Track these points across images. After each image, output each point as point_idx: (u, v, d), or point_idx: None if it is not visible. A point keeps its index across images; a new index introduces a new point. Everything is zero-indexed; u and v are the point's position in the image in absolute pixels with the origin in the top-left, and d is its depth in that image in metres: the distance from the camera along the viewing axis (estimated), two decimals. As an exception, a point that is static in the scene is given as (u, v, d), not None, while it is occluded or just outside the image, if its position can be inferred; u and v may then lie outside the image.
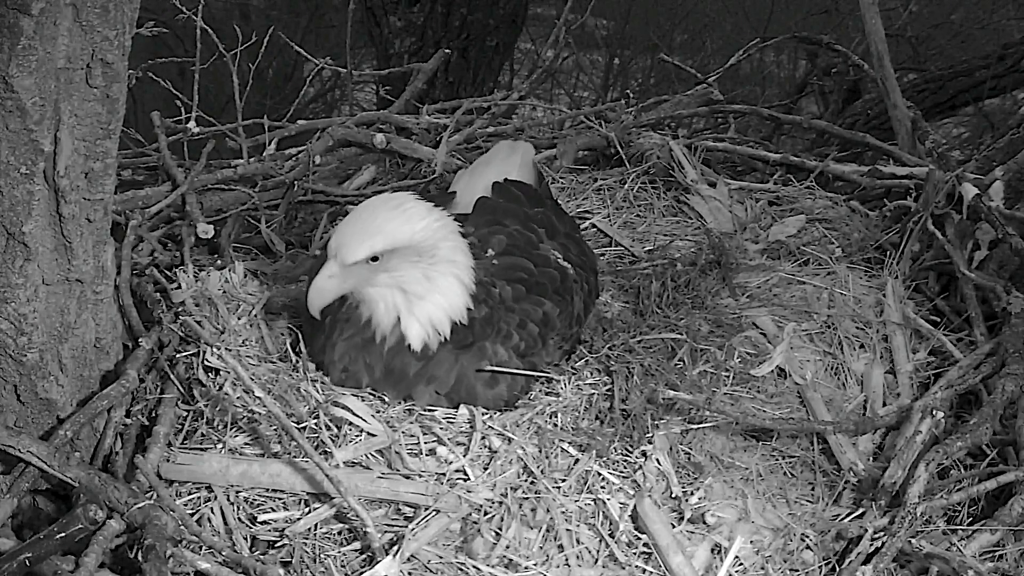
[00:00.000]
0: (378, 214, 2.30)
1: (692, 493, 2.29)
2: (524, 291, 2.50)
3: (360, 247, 2.26)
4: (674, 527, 2.23)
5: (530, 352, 2.47)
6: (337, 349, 2.41)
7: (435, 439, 2.32)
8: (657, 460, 2.31)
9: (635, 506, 2.23)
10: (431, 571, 2.15)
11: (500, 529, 2.19)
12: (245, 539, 2.23)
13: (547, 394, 2.48)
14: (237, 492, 2.28)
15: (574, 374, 2.52)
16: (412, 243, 2.29)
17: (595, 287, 2.77)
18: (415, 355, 2.37)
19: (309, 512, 2.24)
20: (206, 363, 2.44)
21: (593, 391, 2.47)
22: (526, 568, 2.14)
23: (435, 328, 2.36)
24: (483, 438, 2.32)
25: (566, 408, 2.42)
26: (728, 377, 2.57)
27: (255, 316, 2.63)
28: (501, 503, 2.21)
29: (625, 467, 2.31)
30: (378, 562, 2.10)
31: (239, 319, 2.60)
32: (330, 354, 2.42)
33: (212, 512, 2.27)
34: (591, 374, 2.51)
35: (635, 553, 2.20)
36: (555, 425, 2.38)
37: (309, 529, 2.22)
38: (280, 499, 2.27)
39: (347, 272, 2.28)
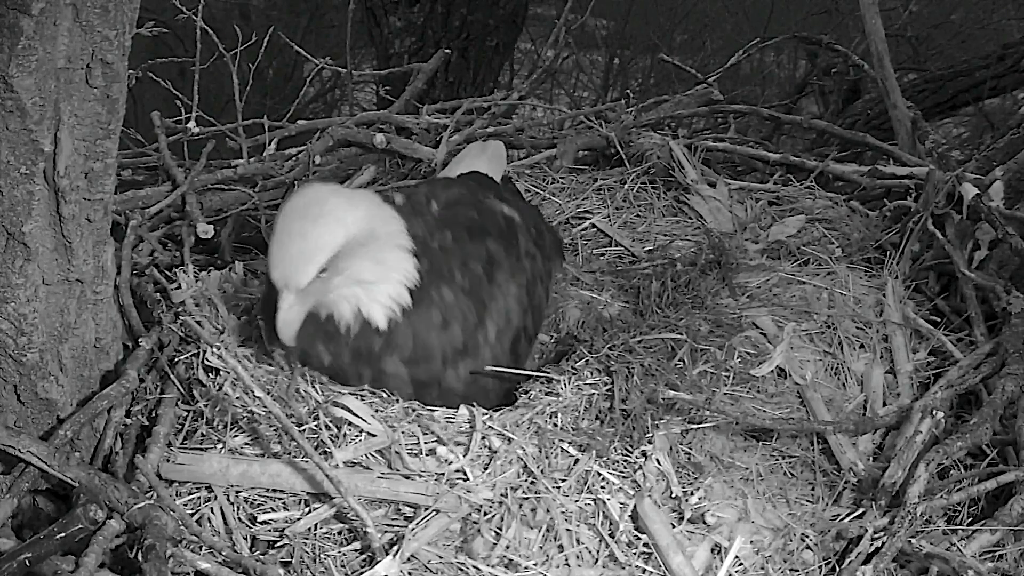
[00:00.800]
0: (306, 229, 2.18)
1: (692, 493, 2.29)
2: (466, 236, 2.50)
3: (306, 269, 2.16)
4: (674, 527, 2.23)
5: (476, 288, 2.43)
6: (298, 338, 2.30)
7: (435, 439, 2.32)
8: (657, 460, 2.31)
9: (635, 506, 2.23)
10: (431, 571, 2.15)
11: (500, 529, 2.19)
12: (245, 539, 2.23)
13: (547, 394, 2.48)
14: (237, 492, 2.28)
15: (574, 374, 2.52)
16: (351, 238, 2.21)
17: (550, 259, 2.80)
18: (379, 332, 2.33)
19: (309, 512, 2.24)
20: (206, 363, 2.44)
21: (593, 391, 2.47)
22: (526, 568, 2.15)
23: (396, 302, 2.32)
24: (483, 438, 2.32)
25: (566, 408, 2.42)
26: (728, 377, 2.57)
27: (255, 316, 2.63)
28: (501, 503, 2.21)
29: (625, 467, 2.31)
30: (378, 562, 2.10)
31: (239, 319, 2.60)
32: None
33: (212, 512, 2.27)
34: (591, 374, 2.51)
35: (635, 553, 2.20)
36: (555, 425, 2.38)
37: (309, 529, 2.22)
38: (280, 499, 2.27)
39: (304, 295, 2.20)
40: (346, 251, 2.20)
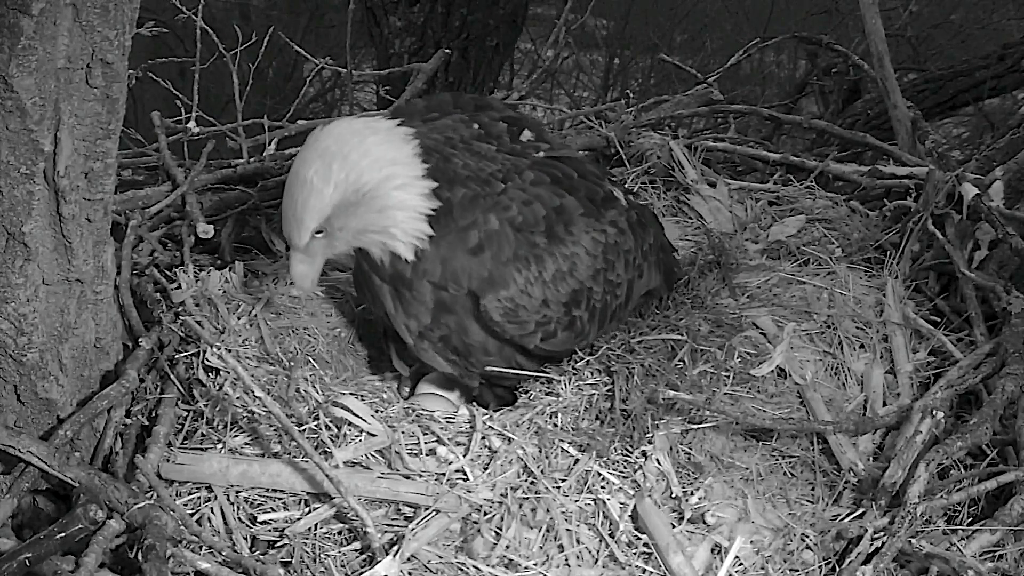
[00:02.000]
0: (296, 194, 2.28)
1: (692, 493, 2.29)
2: (548, 182, 2.45)
3: (301, 231, 2.29)
4: (674, 527, 2.23)
5: (527, 229, 2.39)
6: (366, 295, 2.50)
7: (435, 439, 2.32)
8: (657, 460, 2.31)
9: (635, 506, 2.23)
10: (431, 571, 2.15)
11: (500, 529, 2.19)
12: (245, 539, 2.23)
13: (547, 394, 2.48)
14: (237, 492, 2.28)
15: (574, 374, 2.52)
16: (340, 203, 2.27)
17: (649, 264, 2.68)
18: (410, 264, 2.37)
19: (309, 512, 2.24)
20: (206, 363, 2.45)
21: (593, 391, 2.47)
22: (526, 568, 2.15)
23: (415, 236, 2.33)
24: (483, 438, 2.32)
25: (566, 408, 2.42)
26: (728, 377, 2.56)
27: (255, 316, 2.63)
28: (501, 503, 2.21)
29: (625, 467, 2.31)
30: (378, 562, 2.10)
31: (239, 319, 2.60)
32: (368, 301, 2.54)
33: (212, 512, 2.27)
34: (591, 374, 2.51)
35: (635, 553, 2.20)
36: (555, 425, 2.38)
37: (309, 529, 2.22)
38: (280, 499, 2.27)
39: (310, 250, 2.33)
40: (338, 212, 2.27)
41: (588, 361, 2.55)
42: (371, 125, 2.35)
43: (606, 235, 2.49)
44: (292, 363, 2.47)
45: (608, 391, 2.46)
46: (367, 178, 2.27)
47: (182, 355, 2.51)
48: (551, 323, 2.44)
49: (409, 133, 2.37)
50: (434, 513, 2.19)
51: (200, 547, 2.17)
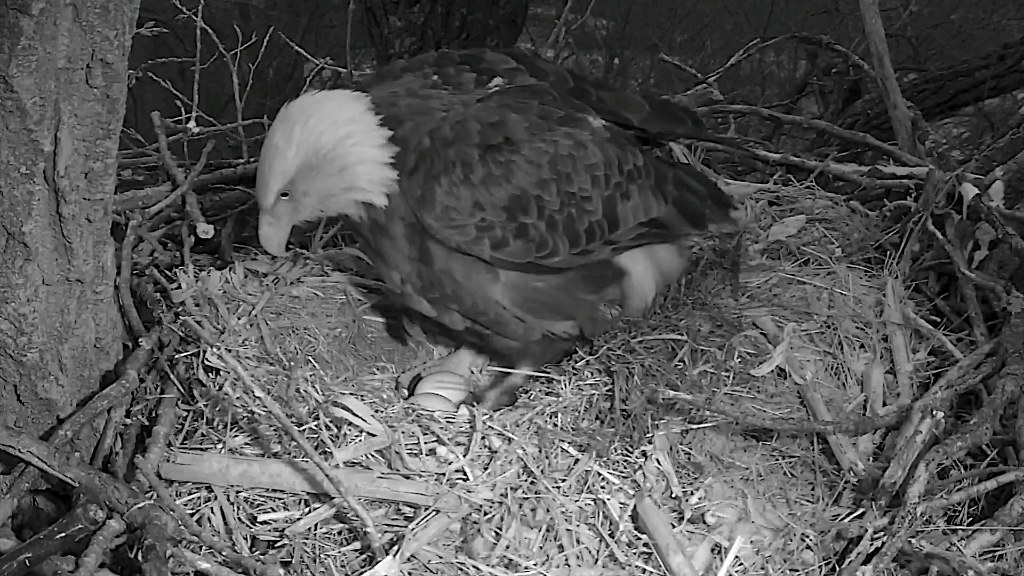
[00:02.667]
0: (263, 156, 2.46)
1: (692, 493, 2.29)
2: (494, 105, 2.51)
3: (266, 192, 2.47)
4: (674, 527, 2.23)
5: (459, 142, 2.45)
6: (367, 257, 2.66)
7: (435, 439, 2.32)
8: (657, 460, 2.31)
9: (635, 506, 2.23)
10: (431, 571, 2.15)
11: (500, 529, 2.19)
12: (245, 539, 2.23)
13: (547, 394, 2.48)
14: (237, 492, 2.28)
15: (574, 374, 2.52)
16: (301, 168, 2.44)
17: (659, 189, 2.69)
18: (383, 209, 2.49)
19: (309, 512, 2.24)
20: (206, 363, 2.45)
21: (593, 391, 2.47)
22: (526, 568, 2.14)
23: (383, 183, 2.45)
24: (483, 438, 2.32)
25: (566, 408, 2.42)
26: (728, 377, 2.56)
27: (255, 316, 2.63)
28: (501, 503, 2.21)
29: (625, 467, 2.31)
30: (378, 562, 2.10)
31: (239, 319, 2.60)
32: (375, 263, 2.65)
33: (212, 512, 2.27)
34: (591, 374, 2.51)
35: (635, 553, 2.20)
36: (555, 425, 2.38)
37: (309, 529, 2.22)
38: (280, 499, 2.27)
39: (277, 212, 2.50)
40: (301, 175, 2.45)
41: (588, 361, 2.55)
42: (330, 94, 2.54)
43: (557, 146, 2.51)
44: (292, 363, 2.47)
45: (608, 391, 2.46)
46: (325, 139, 2.43)
47: (182, 355, 2.51)
48: (495, 228, 2.47)
49: (362, 95, 2.50)
50: (434, 513, 2.19)
51: (200, 547, 2.17)
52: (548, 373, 2.51)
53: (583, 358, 2.56)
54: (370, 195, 2.46)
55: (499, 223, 2.46)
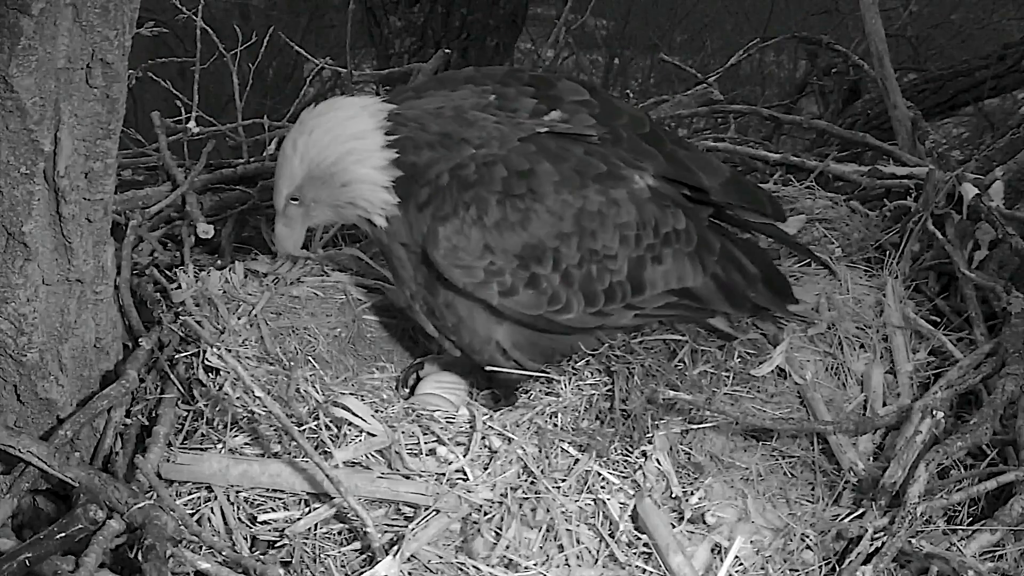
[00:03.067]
0: (278, 160, 2.50)
1: (692, 493, 2.29)
2: (533, 150, 2.43)
3: (276, 196, 2.52)
4: (674, 527, 2.23)
5: (479, 186, 2.38)
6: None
7: (435, 439, 2.32)
8: (657, 460, 2.31)
9: (635, 506, 2.23)
10: (431, 571, 2.15)
11: (500, 529, 2.19)
12: (245, 539, 2.23)
13: (547, 394, 2.48)
14: (237, 492, 2.28)
15: (574, 374, 2.52)
16: (306, 177, 2.46)
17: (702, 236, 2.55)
18: (384, 230, 2.49)
19: (309, 512, 2.24)
20: (206, 363, 2.45)
21: (593, 391, 2.47)
22: (526, 568, 2.14)
23: (381, 206, 2.45)
24: (483, 438, 2.32)
25: (566, 408, 2.42)
26: (728, 377, 2.57)
27: (255, 316, 2.63)
28: (501, 503, 2.21)
29: (625, 467, 2.31)
30: (378, 562, 2.10)
31: (239, 319, 2.60)
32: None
33: (212, 512, 2.27)
34: (591, 374, 2.51)
35: (635, 553, 2.20)
36: (555, 425, 2.37)
37: (309, 529, 2.22)
38: (280, 499, 2.27)
39: (289, 215, 2.54)
40: (308, 184, 2.47)
41: (588, 361, 2.54)
42: (343, 103, 2.53)
43: (586, 200, 2.42)
44: (292, 363, 2.47)
45: (608, 391, 2.46)
46: (328, 153, 2.43)
47: (182, 355, 2.51)
48: (504, 275, 2.41)
49: (382, 108, 2.48)
50: (434, 513, 2.19)
51: (200, 547, 2.17)
52: (548, 373, 2.51)
53: (583, 358, 2.55)
54: (370, 214, 2.47)
55: (509, 270, 2.41)
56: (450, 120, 2.47)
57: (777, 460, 2.45)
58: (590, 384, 2.49)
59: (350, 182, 2.44)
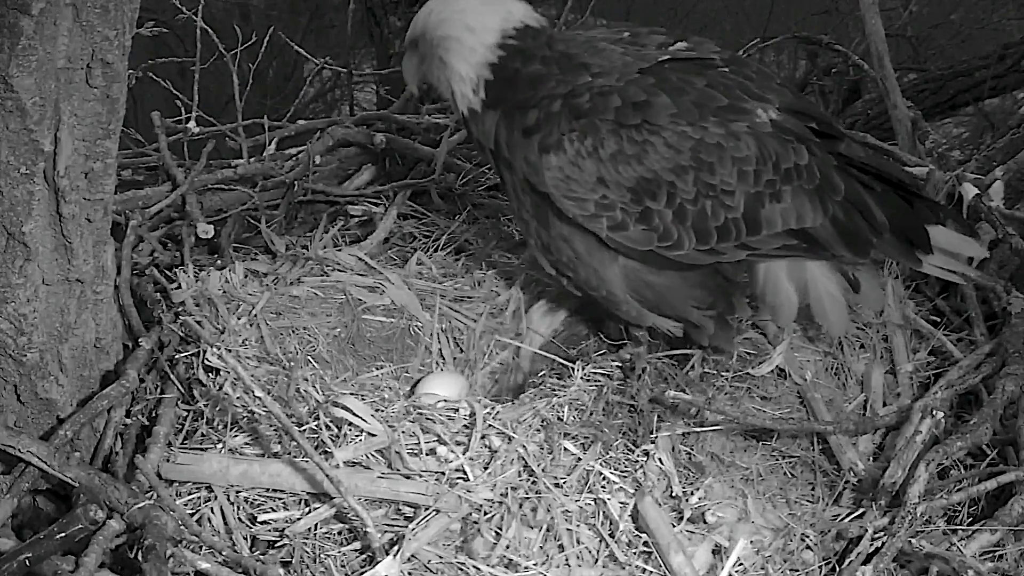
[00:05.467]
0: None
1: (692, 493, 2.29)
2: (652, 81, 2.39)
3: (408, 33, 2.64)
4: (674, 527, 2.23)
5: (593, 115, 2.36)
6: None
7: (435, 439, 2.32)
8: (659, 459, 2.31)
9: (635, 506, 2.23)
10: (431, 571, 2.15)
11: (500, 529, 2.19)
12: (245, 539, 2.24)
13: (555, 388, 2.47)
14: (237, 492, 2.28)
15: (589, 362, 2.51)
16: (421, 35, 2.57)
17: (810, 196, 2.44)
18: (467, 117, 2.56)
19: (309, 512, 2.24)
20: (206, 363, 2.45)
21: (604, 382, 2.47)
22: (526, 568, 2.14)
23: (463, 95, 2.51)
24: (483, 437, 2.32)
25: (573, 400, 2.41)
26: (728, 377, 2.57)
27: (255, 316, 2.63)
28: (501, 503, 2.21)
29: (626, 466, 2.31)
30: (378, 562, 2.10)
31: (239, 319, 2.61)
32: None
33: (212, 512, 2.27)
34: (603, 366, 2.51)
35: (635, 553, 2.20)
36: (559, 418, 2.37)
37: (309, 529, 2.22)
38: (280, 499, 2.27)
39: (410, 54, 2.65)
40: (422, 39, 2.57)
41: (604, 352, 2.53)
42: None
43: (704, 133, 2.36)
44: (292, 363, 2.47)
45: (619, 385, 2.46)
46: (440, 29, 2.52)
47: (182, 355, 2.51)
48: (615, 209, 2.37)
49: (522, 17, 2.52)
50: (434, 513, 2.19)
51: (200, 547, 2.17)
52: (564, 362, 2.51)
53: (599, 347, 2.55)
54: (455, 100, 2.54)
55: (620, 204, 2.37)
56: (578, 44, 2.50)
57: (777, 460, 2.46)
58: (602, 373, 2.48)
59: (444, 64, 2.52)
